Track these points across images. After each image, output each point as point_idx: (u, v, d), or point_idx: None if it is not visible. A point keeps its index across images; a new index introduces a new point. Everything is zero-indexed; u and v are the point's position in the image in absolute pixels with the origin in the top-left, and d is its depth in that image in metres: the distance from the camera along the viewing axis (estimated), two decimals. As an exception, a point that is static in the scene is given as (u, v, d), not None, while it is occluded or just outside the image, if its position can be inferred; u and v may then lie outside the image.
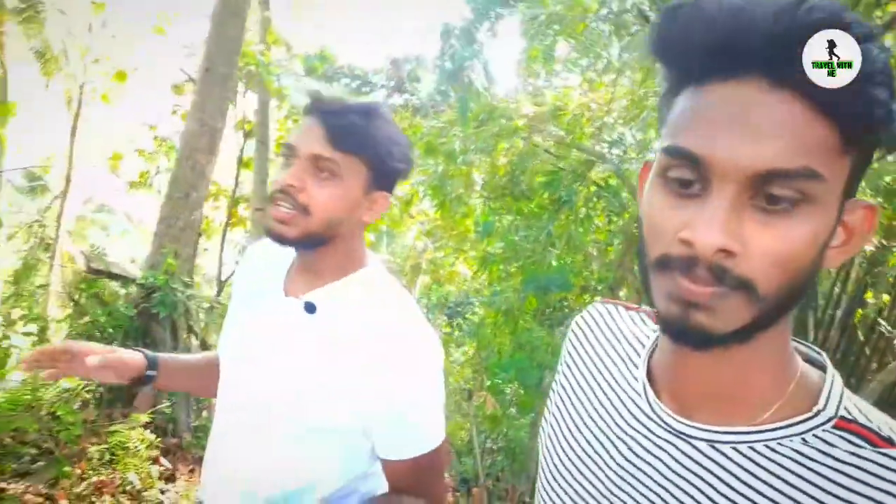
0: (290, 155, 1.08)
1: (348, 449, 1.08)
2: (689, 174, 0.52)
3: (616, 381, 0.72)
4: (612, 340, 0.77)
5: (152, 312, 3.96)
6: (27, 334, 4.36)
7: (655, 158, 0.57)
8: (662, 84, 0.58)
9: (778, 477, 0.56)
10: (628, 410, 0.68)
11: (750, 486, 0.57)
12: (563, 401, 0.78)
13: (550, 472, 0.75)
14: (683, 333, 0.54)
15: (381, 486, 1.12)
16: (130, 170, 9.02)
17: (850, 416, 0.56)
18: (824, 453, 0.55)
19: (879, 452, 0.53)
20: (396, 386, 1.03)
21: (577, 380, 0.78)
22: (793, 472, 0.55)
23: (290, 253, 1.16)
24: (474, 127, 5.44)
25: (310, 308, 1.10)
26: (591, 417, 0.72)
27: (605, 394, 0.72)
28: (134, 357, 1.26)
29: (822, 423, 0.56)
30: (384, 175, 1.11)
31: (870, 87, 0.48)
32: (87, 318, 3.94)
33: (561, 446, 0.75)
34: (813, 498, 0.53)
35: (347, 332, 1.06)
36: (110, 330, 4.01)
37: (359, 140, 1.06)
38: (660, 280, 0.55)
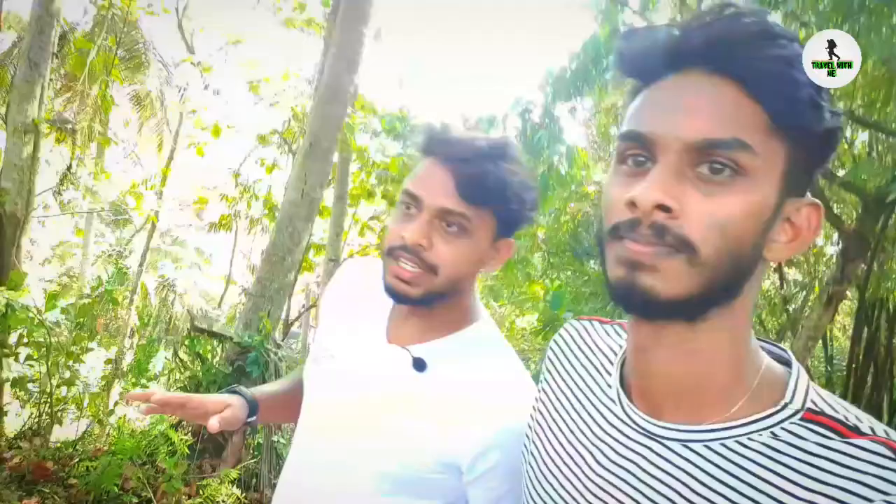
0: (412, 204, 0.99)
1: None
2: (641, 153, 0.58)
3: (592, 391, 0.73)
4: (587, 353, 0.78)
5: (246, 371, 4.19)
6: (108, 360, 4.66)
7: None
8: (627, 98, 0.65)
9: (750, 472, 0.56)
10: (604, 418, 0.69)
11: (724, 483, 0.57)
12: (542, 415, 0.79)
13: (533, 485, 0.76)
14: (629, 296, 0.57)
15: None
16: (210, 210, 9.54)
17: (816, 408, 0.57)
18: (794, 446, 0.55)
19: (848, 443, 0.53)
20: (504, 455, 0.93)
21: (556, 393, 0.79)
22: (764, 467, 0.55)
23: None
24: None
25: (419, 366, 1.02)
26: (569, 428, 0.73)
27: (582, 404, 0.74)
28: (241, 408, 1.17)
29: (790, 416, 0.57)
30: (513, 224, 1.03)
31: (789, 70, 0.55)
32: (187, 373, 4.20)
33: (542, 459, 0.75)
34: (785, 491, 0.53)
35: (458, 391, 0.98)
36: (205, 384, 4.25)
37: (492, 191, 0.96)
38: (611, 249, 0.59)
